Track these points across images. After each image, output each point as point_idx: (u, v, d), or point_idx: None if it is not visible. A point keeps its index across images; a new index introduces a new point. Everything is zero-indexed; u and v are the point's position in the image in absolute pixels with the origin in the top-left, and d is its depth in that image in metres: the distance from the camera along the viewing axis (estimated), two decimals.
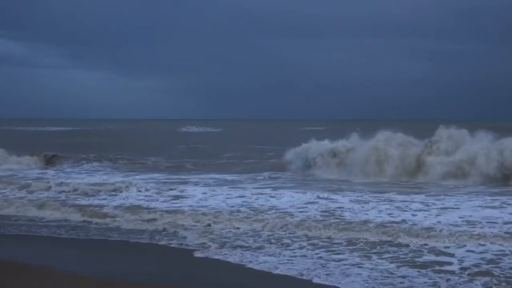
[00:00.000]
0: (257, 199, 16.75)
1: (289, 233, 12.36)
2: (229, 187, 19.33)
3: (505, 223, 13.04)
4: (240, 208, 15.33)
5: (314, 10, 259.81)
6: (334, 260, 10.37)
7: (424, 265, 10.00)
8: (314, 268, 9.85)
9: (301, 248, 11.24)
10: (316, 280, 9.13)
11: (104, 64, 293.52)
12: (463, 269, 9.76)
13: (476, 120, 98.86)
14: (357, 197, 16.90)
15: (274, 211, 14.93)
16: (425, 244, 11.21)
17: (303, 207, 15.41)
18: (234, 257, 10.47)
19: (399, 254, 10.69)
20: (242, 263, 10.07)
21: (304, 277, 9.28)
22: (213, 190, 18.47)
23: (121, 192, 18.07)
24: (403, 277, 9.32)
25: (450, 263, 10.08)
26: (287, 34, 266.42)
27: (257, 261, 10.21)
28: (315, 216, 14.13)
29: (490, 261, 10.14)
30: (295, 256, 10.54)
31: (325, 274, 9.51)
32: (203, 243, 11.52)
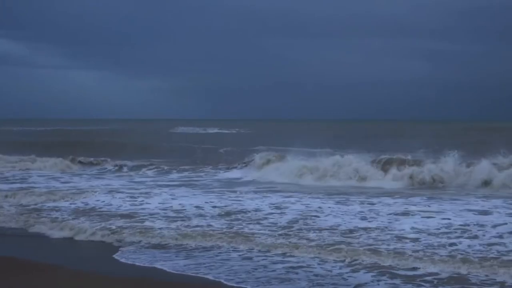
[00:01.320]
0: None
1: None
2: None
3: None
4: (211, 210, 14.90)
5: (313, 10, 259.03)
6: (277, 263, 9.87)
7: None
8: (243, 272, 9.35)
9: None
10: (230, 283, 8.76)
11: (104, 64, 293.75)
12: (430, 274, 9.03)
13: (475, 120, 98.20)
14: None
15: (242, 214, 14.35)
16: None
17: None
18: (152, 259, 10.29)
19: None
20: (153, 265, 9.89)
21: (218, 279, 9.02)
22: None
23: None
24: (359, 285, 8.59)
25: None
26: (288, 33, 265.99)
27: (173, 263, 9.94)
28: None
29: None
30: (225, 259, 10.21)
31: (254, 280, 8.92)
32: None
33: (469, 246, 10.70)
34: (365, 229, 12.25)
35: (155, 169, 26.59)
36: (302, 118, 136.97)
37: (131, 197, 17.08)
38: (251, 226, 12.70)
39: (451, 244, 10.81)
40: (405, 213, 14.17)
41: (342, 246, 10.63)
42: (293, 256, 10.23)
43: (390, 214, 14.09)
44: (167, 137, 57.09)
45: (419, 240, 11.24)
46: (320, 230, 12.22)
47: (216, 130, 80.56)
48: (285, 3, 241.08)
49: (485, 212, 14.22)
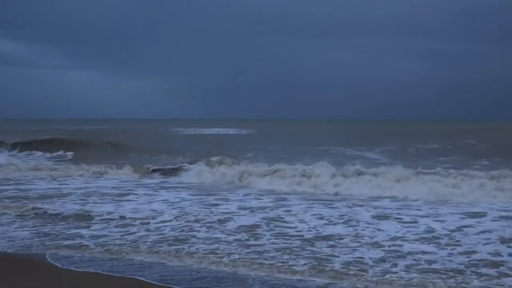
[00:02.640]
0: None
1: None
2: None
3: None
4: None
5: (313, 10, 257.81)
6: None
7: None
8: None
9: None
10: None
11: (104, 64, 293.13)
12: None
13: (475, 121, 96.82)
14: None
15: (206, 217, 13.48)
16: None
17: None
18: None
19: None
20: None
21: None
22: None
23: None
24: None
25: None
26: (288, 34, 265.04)
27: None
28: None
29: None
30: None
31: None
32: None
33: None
34: (331, 236, 11.27)
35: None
36: (302, 118, 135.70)
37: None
38: (204, 230, 11.91)
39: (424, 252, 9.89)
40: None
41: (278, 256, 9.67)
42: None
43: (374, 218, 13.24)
44: (170, 138, 55.38)
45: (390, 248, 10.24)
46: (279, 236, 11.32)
47: (227, 131, 78.19)
48: (285, 3, 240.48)
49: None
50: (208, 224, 12.42)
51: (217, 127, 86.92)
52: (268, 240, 10.89)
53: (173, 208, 14.59)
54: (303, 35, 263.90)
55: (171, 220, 12.93)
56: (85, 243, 10.87)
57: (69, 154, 32.71)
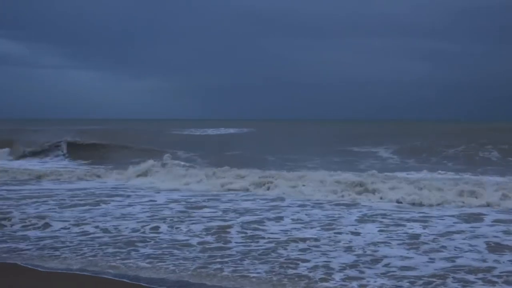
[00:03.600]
0: None
1: None
2: None
3: None
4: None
5: (313, 10, 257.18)
6: None
7: None
8: None
9: None
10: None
11: (104, 64, 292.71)
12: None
13: (475, 121, 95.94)
14: None
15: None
16: None
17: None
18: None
19: None
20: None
21: None
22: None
23: None
24: None
25: None
26: (288, 34, 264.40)
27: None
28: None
29: None
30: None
31: None
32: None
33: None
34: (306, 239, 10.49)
35: None
36: (302, 118, 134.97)
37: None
38: (168, 233, 11.13)
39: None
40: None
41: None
42: None
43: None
44: (171, 138, 54.26)
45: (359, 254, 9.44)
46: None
47: (228, 131, 76.79)
48: (285, 3, 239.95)
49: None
50: (175, 227, 11.59)
51: (217, 127, 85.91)
52: (236, 243, 10.12)
53: (156, 210, 13.69)
54: (303, 35, 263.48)
55: (138, 222, 12.08)
56: (25, 246, 10.18)
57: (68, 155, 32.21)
